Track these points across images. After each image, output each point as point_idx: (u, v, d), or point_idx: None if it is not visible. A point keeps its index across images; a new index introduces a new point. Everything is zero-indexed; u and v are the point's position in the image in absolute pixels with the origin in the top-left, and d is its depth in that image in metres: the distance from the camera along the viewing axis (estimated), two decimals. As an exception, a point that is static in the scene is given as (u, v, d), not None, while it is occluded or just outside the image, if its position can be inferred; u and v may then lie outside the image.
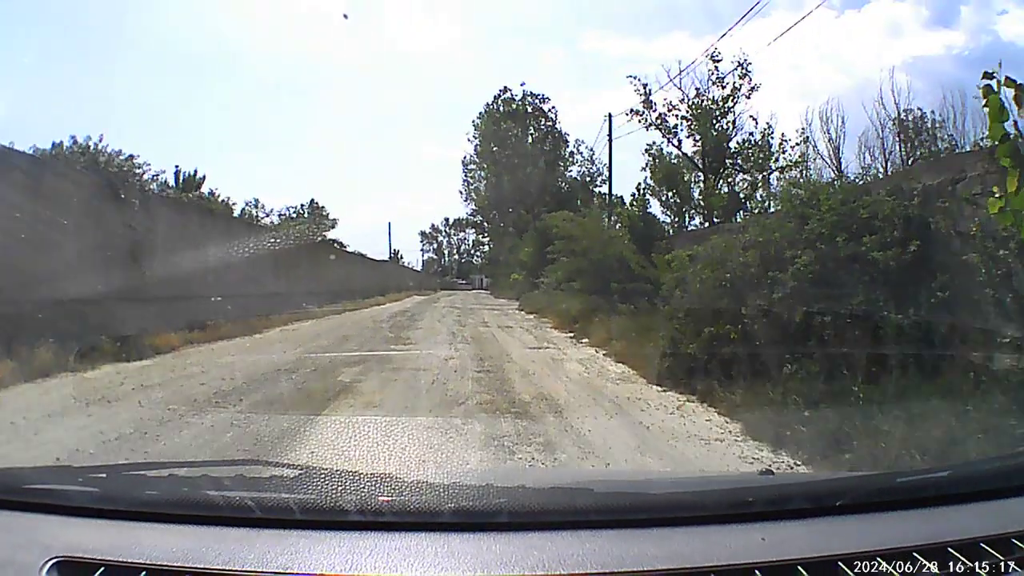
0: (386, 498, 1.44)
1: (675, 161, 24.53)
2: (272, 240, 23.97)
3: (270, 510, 1.41)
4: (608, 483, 1.92)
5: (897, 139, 21.13)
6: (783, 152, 22.97)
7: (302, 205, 55.61)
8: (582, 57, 73.38)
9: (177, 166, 37.23)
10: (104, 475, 1.83)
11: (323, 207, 57.95)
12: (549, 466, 4.97)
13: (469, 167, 55.02)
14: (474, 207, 59.62)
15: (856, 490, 1.57)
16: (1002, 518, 1.42)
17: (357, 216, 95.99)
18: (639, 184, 25.67)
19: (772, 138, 22.97)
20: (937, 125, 20.39)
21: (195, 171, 37.53)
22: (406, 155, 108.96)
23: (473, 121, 52.45)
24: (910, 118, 21.64)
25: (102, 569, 1.26)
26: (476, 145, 52.78)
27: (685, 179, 24.60)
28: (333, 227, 53.98)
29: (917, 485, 1.63)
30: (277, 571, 1.24)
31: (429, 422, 6.42)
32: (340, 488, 1.45)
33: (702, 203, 23.48)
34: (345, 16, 73.75)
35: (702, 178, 23.47)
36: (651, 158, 25.18)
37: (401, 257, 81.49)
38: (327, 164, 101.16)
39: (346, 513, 1.39)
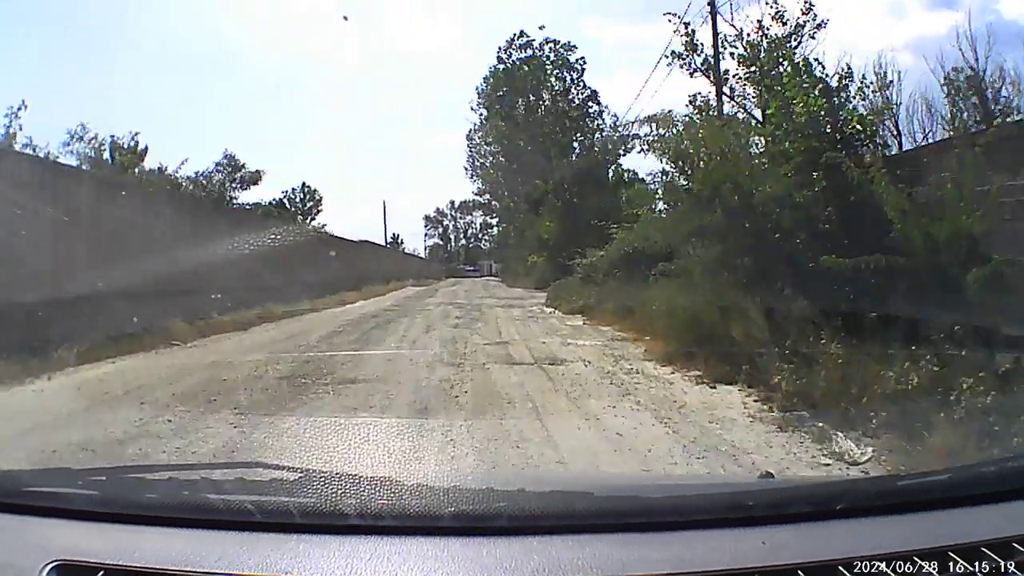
0: (386, 502, 1.44)
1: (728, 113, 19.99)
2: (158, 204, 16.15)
3: (270, 514, 1.41)
4: (608, 487, 1.91)
5: (963, 97, 19.28)
6: (863, 99, 19.59)
7: (218, 161, 36.24)
8: (584, 46, 72.89)
9: (112, 135, 29.79)
10: (104, 478, 1.82)
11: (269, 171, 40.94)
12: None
13: (474, 140, 48.83)
14: (481, 184, 53.64)
15: (856, 494, 1.57)
16: (1002, 521, 1.42)
17: (359, 213, 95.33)
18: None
19: (850, 82, 18.61)
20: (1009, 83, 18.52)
21: (135, 142, 30.05)
22: (407, 153, 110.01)
23: (477, 87, 45.99)
24: (962, 77, 20.05)
25: (101, 573, 1.26)
26: (481, 115, 46.11)
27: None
28: (256, 183, 37.60)
29: (917, 488, 1.62)
30: (277, 575, 1.24)
31: None
32: (340, 492, 1.45)
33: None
34: (345, 18, 74.21)
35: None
36: (696, 111, 21.01)
37: (401, 242, 79.23)
38: (328, 163, 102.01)
39: (346, 517, 1.39)
